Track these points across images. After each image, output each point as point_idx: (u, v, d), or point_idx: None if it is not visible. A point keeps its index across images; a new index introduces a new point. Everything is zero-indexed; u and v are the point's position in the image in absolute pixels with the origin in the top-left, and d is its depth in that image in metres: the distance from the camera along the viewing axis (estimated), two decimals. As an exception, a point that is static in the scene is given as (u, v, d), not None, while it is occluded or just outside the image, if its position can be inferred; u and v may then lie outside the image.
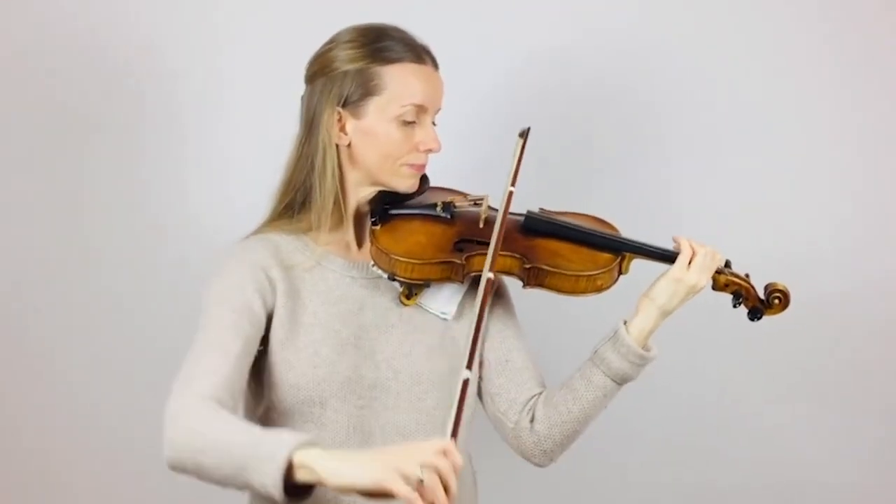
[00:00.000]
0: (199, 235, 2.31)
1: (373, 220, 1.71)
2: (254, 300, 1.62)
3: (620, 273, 1.73)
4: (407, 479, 1.28)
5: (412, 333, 1.71)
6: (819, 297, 2.33)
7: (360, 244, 1.75)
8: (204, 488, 2.35)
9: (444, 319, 1.73)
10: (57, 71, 2.32)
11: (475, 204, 1.77)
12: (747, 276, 1.75)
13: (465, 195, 1.80)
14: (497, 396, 1.76)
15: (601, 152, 2.42)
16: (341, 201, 1.71)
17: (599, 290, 1.70)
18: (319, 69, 1.70)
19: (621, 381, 1.70)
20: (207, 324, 1.57)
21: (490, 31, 2.36)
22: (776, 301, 1.73)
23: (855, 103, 2.39)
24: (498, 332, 1.77)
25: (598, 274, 1.69)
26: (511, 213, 1.72)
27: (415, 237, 1.69)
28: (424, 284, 1.70)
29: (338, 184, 1.70)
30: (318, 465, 1.32)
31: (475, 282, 1.66)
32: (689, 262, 1.68)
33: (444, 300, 1.74)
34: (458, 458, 1.31)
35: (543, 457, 1.75)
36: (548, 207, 1.82)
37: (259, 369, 1.68)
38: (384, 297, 1.72)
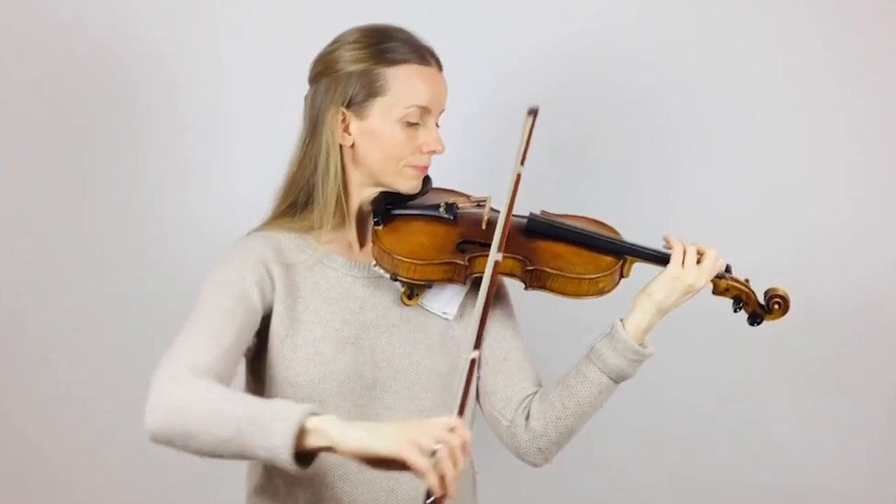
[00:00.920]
0: (200, 236, 2.31)
1: (375, 220, 1.71)
2: (252, 291, 1.62)
3: (622, 276, 1.73)
4: (422, 451, 1.29)
5: (412, 333, 1.71)
6: (819, 298, 2.34)
7: (362, 244, 1.75)
8: (204, 488, 2.39)
9: (446, 319, 1.74)
10: (57, 70, 2.31)
11: (478, 205, 1.77)
12: (747, 280, 1.75)
13: (467, 196, 1.80)
14: (493, 395, 1.76)
15: (602, 153, 2.42)
16: (344, 201, 1.71)
17: (601, 293, 1.70)
18: (323, 69, 1.70)
19: (617, 377, 1.70)
20: (202, 308, 1.57)
21: (491, 31, 2.36)
22: (776, 306, 1.73)
23: (855, 103, 2.39)
24: (497, 332, 1.77)
25: (599, 277, 1.69)
26: (513, 216, 1.72)
27: (417, 238, 1.69)
28: (426, 285, 1.70)
29: (340, 184, 1.70)
30: (334, 429, 1.32)
31: (476, 283, 1.66)
32: (683, 260, 1.68)
33: (445, 300, 1.74)
34: (467, 434, 1.32)
35: (539, 455, 1.74)
36: (550, 210, 1.82)
37: (259, 367, 1.69)
38: (385, 297, 1.72)
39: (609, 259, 1.72)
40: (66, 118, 2.33)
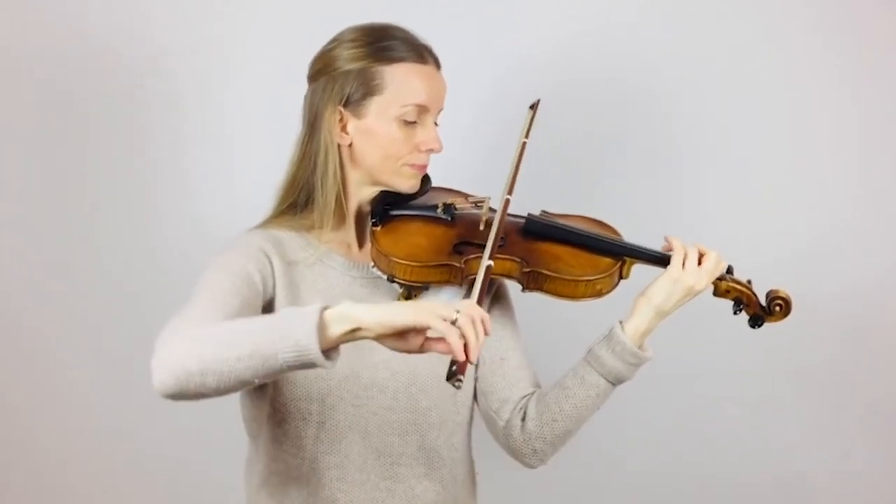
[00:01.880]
0: (201, 235, 2.30)
1: (373, 220, 1.70)
2: (254, 274, 1.61)
3: (621, 278, 1.71)
4: (443, 318, 1.32)
5: (411, 334, 1.71)
6: (818, 297, 2.33)
7: (361, 244, 1.75)
8: (204, 488, 2.39)
9: (444, 320, 1.74)
10: (59, 69, 2.31)
11: (476, 206, 1.76)
12: (749, 282, 1.73)
13: (466, 196, 1.79)
14: (490, 395, 1.75)
15: (602, 153, 2.41)
16: (343, 201, 1.71)
17: (599, 294, 1.69)
18: (322, 68, 1.69)
19: (615, 380, 1.68)
20: (205, 284, 1.54)
21: (491, 31, 2.36)
22: (777, 308, 1.71)
23: (855, 104, 2.38)
24: (495, 331, 1.75)
25: (598, 279, 1.67)
26: (511, 216, 1.72)
27: (414, 239, 1.68)
28: (423, 287, 1.70)
29: (339, 183, 1.69)
30: (354, 310, 1.33)
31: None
32: (684, 262, 1.67)
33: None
34: (485, 313, 1.35)
35: (534, 456, 1.73)
36: (550, 209, 1.81)
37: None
38: (384, 298, 1.71)
39: (608, 260, 1.70)
40: (66, 118, 2.33)
